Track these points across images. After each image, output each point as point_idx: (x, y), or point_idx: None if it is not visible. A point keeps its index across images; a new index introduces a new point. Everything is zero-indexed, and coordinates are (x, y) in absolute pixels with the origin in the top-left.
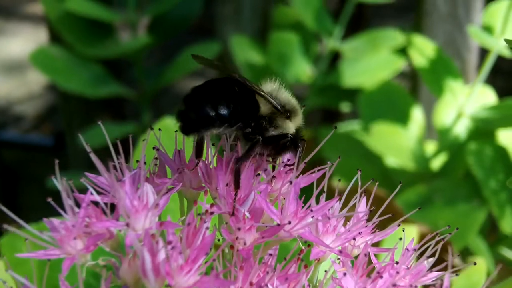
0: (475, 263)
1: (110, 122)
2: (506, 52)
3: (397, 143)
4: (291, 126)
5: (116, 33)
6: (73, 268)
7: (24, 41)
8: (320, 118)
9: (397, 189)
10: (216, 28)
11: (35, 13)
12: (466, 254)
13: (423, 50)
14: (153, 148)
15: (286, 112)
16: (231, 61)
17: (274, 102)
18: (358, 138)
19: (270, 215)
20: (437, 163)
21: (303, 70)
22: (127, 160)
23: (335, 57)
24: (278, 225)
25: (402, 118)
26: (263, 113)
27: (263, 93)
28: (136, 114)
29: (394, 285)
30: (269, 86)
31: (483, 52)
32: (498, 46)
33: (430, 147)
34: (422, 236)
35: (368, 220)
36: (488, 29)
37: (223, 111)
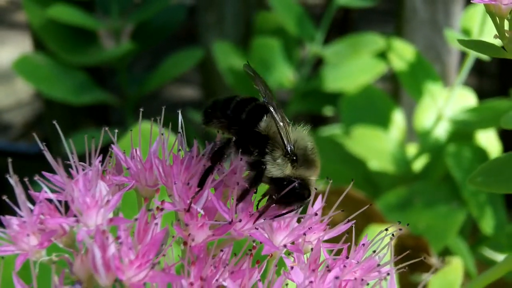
0: (453, 262)
1: (95, 129)
2: (483, 54)
3: (378, 146)
4: (287, 167)
5: (100, 40)
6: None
7: (12, 49)
8: (307, 123)
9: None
10: (200, 35)
11: (24, 21)
12: (447, 255)
13: (403, 54)
14: (108, 146)
15: (291, 154)
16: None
17: (281, 125)
18: (340, 142)
19: (221, 213)
20: (418, 166)
21: (286, 75)
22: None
23: (318, 62)
24: (230, 223)
25: (383, 121)
26: (263, 131)
27: (274, 112)
28: (121, 121)
29: (337, 277)
30: (301, 132)
31: (464, 55)
32: None
33: (411, 149)
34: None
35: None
36: (466, 32)
37: (225, 111)
